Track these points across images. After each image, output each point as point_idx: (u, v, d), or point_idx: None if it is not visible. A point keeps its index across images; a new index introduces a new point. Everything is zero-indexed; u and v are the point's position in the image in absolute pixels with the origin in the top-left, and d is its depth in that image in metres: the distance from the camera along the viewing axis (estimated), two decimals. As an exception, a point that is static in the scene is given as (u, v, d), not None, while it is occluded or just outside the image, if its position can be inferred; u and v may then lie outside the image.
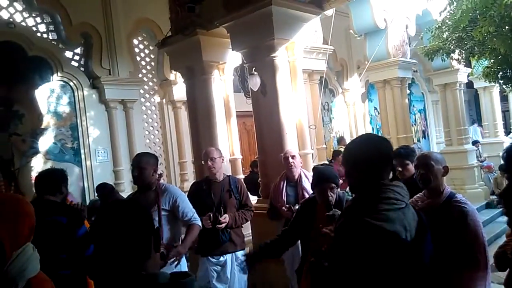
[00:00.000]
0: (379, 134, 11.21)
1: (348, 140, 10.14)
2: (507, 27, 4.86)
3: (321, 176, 2.73)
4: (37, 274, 1.50)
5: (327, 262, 1.86)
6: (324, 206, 2.60)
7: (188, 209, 3.25)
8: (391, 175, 1.77)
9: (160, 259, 2.63)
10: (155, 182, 3.22)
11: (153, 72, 8.03)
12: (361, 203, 1.61)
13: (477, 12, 4.84)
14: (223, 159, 3.95)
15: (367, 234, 1.49)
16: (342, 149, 8.68)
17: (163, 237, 3.08)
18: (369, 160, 1.62)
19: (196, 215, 3.28)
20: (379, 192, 1.57)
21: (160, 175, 3.96)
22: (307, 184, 3.91)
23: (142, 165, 3.12)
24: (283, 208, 3.83)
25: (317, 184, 2.74)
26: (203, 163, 3.89)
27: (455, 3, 4.85)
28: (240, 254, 3.79)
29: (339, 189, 2.81)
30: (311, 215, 2.74)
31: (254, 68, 4.50)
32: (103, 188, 5.07)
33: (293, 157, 3.97)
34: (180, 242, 3.21)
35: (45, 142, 6.25)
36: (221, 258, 3.70)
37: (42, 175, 3.11)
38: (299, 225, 2.86)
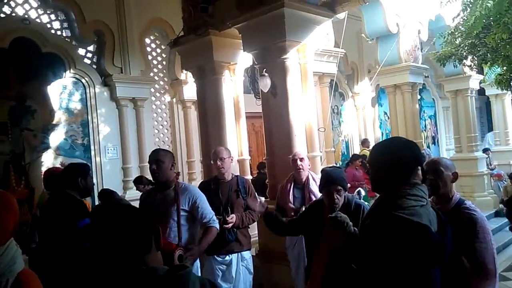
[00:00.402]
0: (374, 142, 11.18)
1: (372, 142, 10.16)
2: (521, 35, 4.82)
3: (328, 178, 2.74)
4: (24, 269, 1.52)
5: (356, 264, 1.88)
6: (329, 209, 2.60)
7: (208, 210, 3.18)
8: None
9: (178, 261, 2.57)
10: (174, 180, 3.14)
11: (164, 71, 8.08)
12: (388, 200, 1.69)
13: (491, 18, 4.80)
14: (232, 159, 3.95)
15: (398, 227, 1.57)
16: (365, 151, 8.51)
17: (182, 237, 3.01)
18: (395, 162, 1.71)
19: (215, 217, 3.22)
20: (406, 190, 1.66)
21: (178, 174, 3.93)
22: (314, 187, 3.90)
23: (160, 158, 3.04)
24: (291, 213, 3.83)
25: (324, 186, 2.75)
26: (212, 162, 3.90)
27: (468, 9, 4.81)
28: (245, 254, 3.79)
29: (347, 192, 2.81)
30: (318, 217, 2.74)
31: (265, 70, 4.51)
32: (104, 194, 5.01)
33: (301, 159, 3.97)
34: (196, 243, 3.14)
35: (56, 137, 6.32)
36: (227, 258, 3.70)
37: (64, 169, 3.17)
38: (305, 224, 2.87)
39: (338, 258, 2.19)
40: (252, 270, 3.86)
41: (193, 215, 3.13)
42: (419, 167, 1.76)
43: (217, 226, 3.22)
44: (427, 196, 1.71)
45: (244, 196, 3.79)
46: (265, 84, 4.49)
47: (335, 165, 5.75)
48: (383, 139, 11.50)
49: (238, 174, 4.50)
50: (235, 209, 3.70)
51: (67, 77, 6.51)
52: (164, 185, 3.12)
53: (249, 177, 5.76)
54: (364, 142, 9.73)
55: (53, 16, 6.67)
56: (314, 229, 2.76)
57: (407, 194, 1.65)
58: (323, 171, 2.92)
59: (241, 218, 3.68)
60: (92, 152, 6.69)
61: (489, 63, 6.20)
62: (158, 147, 7.73)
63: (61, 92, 6.44)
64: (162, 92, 8.06)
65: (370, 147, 8.66)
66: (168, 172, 3.08)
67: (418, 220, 1.58)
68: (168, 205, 3.05)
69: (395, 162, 1.71)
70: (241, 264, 3.74)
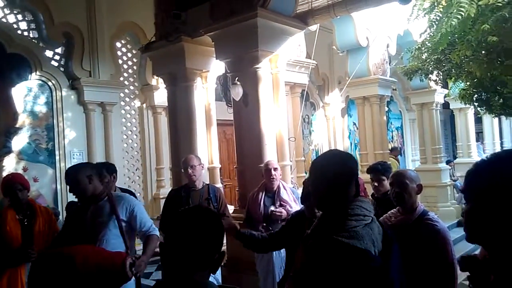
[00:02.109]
0: (355, 150, 11.38)
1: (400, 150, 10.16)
2: (483, 52, 5.02)
3: (308, 192, 2.75)
4: None
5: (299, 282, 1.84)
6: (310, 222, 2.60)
7: (146, 218, 3.02)
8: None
9: (130, 269, 2.36)
10: (104, 190, 2.94)
11: (135, 76, 7.96)
12: (329, 220, 1.60)
13: (456, 36, 4.99)
14: (202, 167, 3.93)
15: (338, 252, 1.48)
16: (392, 160, 8.13)
17: (128, 246, 2.88)
18: (337, 175, 1.61)
19: (154, 225, 3.07)
20: (347, 209, 1.57)
21: (111, 180, 3.72)
22: (285, 195, 3.92)
23: (76, 178, 2.84)
24: (260, 228, 3.80)
25: (305, 199, 2.75)
26: (182, 170, 3.86)
27: (435, 26, 4.98)
28: None
29: None
30: (299, 229, 2.73)
31: (237, 78, 4.52)
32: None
33: (275, 169, 3.98)
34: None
35: (19, 141, 6.10)
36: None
37: None
38: (287, 236, 2.85)
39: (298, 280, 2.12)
40: (220, 281, 3.82)
41: (131, 225, 2.94)
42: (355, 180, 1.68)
43: (157, 233, 3.06)
44: (371, 212, 1.61)
45: (215, 205, 3.76)
46: (237, 92, 4.50)
47: (304, 174, 5.81)
48: (351, 149, 11.75)
49: (208, 182, 4.47)
50: None
51: (33, 79, 6.32)
52: (94, 198, 2.89)
53: (219, 185, 5.72)
54: (392, 150, 8.93)
55: (20, 16, 6.47)
56: (294, 242, 2.73)
57: (348, 214, 1.56)
58: (304, 183, 2.91)
59: None
60: (57, 157, 6.49)
61: (453, 78, 6.42)
62: (130, 158, 7.63)
63: (25, 94, 6.23)
64: (132, 97, 7.93)
65: (398, 156, 8.54)
66: (87, 186, 2.84)
67: (357, 245, 1.49)
68: (105, 216, 2.83)
69: (330, 178, 1.61)
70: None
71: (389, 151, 8.57)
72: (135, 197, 3.80)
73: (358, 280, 1.46)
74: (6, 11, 6.30)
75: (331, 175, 1.62)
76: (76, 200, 3.71)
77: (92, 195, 2.86)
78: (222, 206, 3.84)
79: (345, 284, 1.47)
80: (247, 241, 2.77)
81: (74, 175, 2.85)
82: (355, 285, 1.46)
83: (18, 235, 3.23)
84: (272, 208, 3.80)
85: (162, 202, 7.24)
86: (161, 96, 7.55)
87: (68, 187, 2.97)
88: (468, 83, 6.26)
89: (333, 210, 1.61)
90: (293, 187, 4.75)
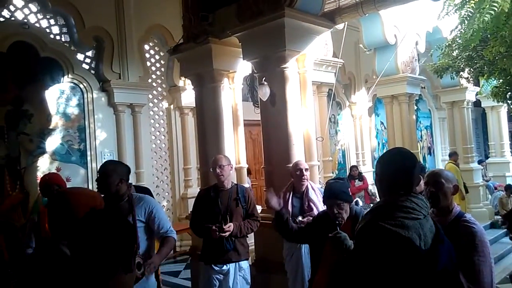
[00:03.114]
0: (383, 150, 11.20)
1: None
2: (517, 48, 4.87)
3: (329, 192, 2.76)
4: None
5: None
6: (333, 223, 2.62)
7: (165, 221, 3.07)
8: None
9: (137, 269, 2.38)
10: (126, 192, 2.99)
11: (163, 77, 8.08)
12: (380, 210, 1.74)
13: (488, 32, 4.85)
14: (231, 167, 3.93)
15: (382, 237, 1.60)
16: (451, 165, 8.02)
17: (139, 247, 2.91)
18: (390, 173, 1.79)
19: (172, 228, 3.12)
20: (397, 201, 1.69)
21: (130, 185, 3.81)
22: (313, 195, 3.90)
23: (107, 172, 2.91)
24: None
25: (325, 200, 2.78)
26: (211, 170, 3.88)
27: (466, 22, 4.85)
28: (243, 263, 3.76)
29: (358, 205, 2.84)
30: (325, 229, 2.73)
31: (264, 78, 4.52)
32: None
33: (306, 170, 3.96)
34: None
35: (52, 142, 6.29)
36: (224, 267, 3.66)
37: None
38: (312, 234, 2.86)
39: (338, 275, 2.21)
40: (249, 280, 3.82)
41: (149, 226, 3.00)
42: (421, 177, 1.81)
43: (175, 236, 3.11)
44: (423, 209, 1.71)
45: (243, 205, 3.77)
46: (264, 93, 4.50)
47: (339, 177, 5.76)
48: (379, 148, 11.58)
49: (237, 182, 4.49)
50: (234, 218, 3.67)
51: (65, 82, 6.50)
52: (116, 197, 2.93)
53: (246, 185, 5.74)
54: (451, 155, 8.74)
55: (52, 21, 6.67)
56: (319, 240, 2.75)
57: (398, 205, 1.68)
58: (326, 184, 2.93)
59: (239, 227, 3.65)
60: (88, 158, 6.66)
61: (485, 75, 6.26)
62: (158, 158, 7.75)
63: (58, 97, 6.42)
64: (160, 98, 8.06)
65: (458, 161, 8.33)
66: (114, 186, 2.90)
67: (403, 233, 1.60)
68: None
69: (388, 173, 1.79)
70: (239, 274, 3.70)
71: (448, 157, 8.28)
72: (151, 194, 3.91)
73: (399, 265, 1.56)
74: (39, 16, 6.50)
75: (385, 172, 1.81)
76: None
77: (115, 193, 2.92)
78: (251, 206, 3.84)
79: (387, 268, 1.58)
80: (280, 222, 3.01)
81: (108, 170, 2.93)
82: (396, 270, 1.56)
83: None
84: (300, 218, 3.79)
85: (190, 201, 7.40)
86: (188, 97, 7.65)
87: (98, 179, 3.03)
88: (501, 80, 6.08)
89: (385, 201, 1.76)
90: (321, 187, 4.72)
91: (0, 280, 2.88)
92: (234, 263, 3.68)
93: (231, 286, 3.65)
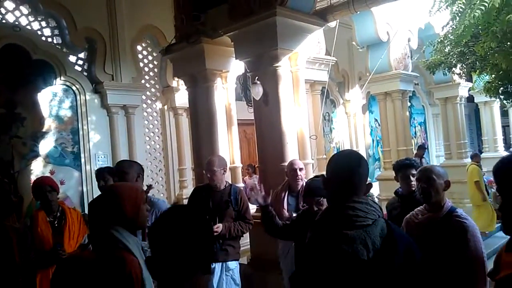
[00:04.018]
0: (377, 147, 11.24)
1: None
2: (509, 43, 4.89)
3: (305, 190, 2.85)
4: None
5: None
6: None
7: None
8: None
9: None
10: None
11: (156, 78, 8.06)
12: (325, 220, 1.63)
13: (480, 27, 4.87)
14: (225, 170, 3.89)
15: (328, 253, 1.51)
16: (474, 166, 7.86)
17: None
18: (334, 177, 1.66)
19: None
20: (341, 209, 1.56)
21: (150, 187, 3.83)
22: (309, 194, 3.91)
23: (125, 169, 2.90)
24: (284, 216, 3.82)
25: (304, 197, 2.83)
26: (204, 172, 3.89)
27: (457, 18, 4.87)
28: (231, 264, 3.74)
29: None
30: (307, 225, 2.75)
31: (257, 77, 4.52)
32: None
33: (301, 169, 3.95)
34: None
35: (46, 145, 6.25)
36: (209, 266, 3.65)
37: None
38: (296, 231, 2.88)
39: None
40: (238, 281, 3.80)
41: None
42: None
43: None
44: (369, 214, 1.54)
45: (235, 207, 3.75)
46: (257, 92, 4.50)
47: (317, 174, 5.77)
48: (373, 146, 11.62)
49: (232, 183, 4.47)
50: (224, 219, 3.66)
51: (58, 84, 6.47)
52: None
53: (240, 185, 5.74)
54: (473, 157, 8.50)
55: (44, 23, 6.64)
56: (303, 237, 2.77)
57: (342, 214, 1.55)
58: (305, 183, 2.99)
59: (228, 228, 3.63)
60: (82, 160, 6.63)
61: (478, 71, 6.29)
62: (152, 159, 7.73)
63: (51, 99, 6.39)
64: (153, 99, 8.03)
65: (480, 162, 8.23)
66: (134, 183, 2.86)
67: (346, 248, 1.48)
68: None
69: (332, 177, 1.65)
70: (226, 274, 3.68)
71: (470, 159, 8.18)
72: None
73: (345, 278, 1.47)
74: (31, 18, 6.47)
75: (329, 176, 1.67)
76: None
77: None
78: (243, 208, 3.82)
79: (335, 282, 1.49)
80: (267, 218, 3.00)
81: (127, 167, 2.93)
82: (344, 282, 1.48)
83: (49, 237, 3.32)
84: (295, 215, 3.80)
85: (185, 202, 7.38)
86: (182, 97, 7.63)
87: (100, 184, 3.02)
88: (493, 75, 6.10)
89: (331, 208, 1.65)
90: (316, 185, 4.73)
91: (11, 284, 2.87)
92: (220, 263, 3.66)
93: (215, 286, 3.63)
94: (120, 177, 2.93)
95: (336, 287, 1.49)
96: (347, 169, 1.63)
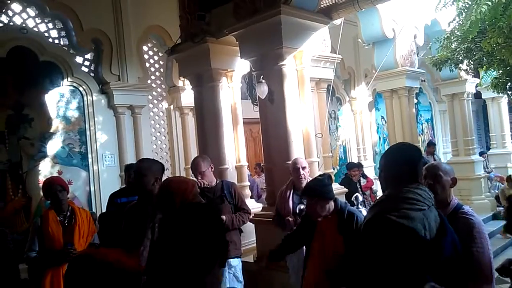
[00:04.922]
0: (384, 144, 11.19)
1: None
2: (516, 39, 4.85)
3: (306, 191, 2.91)
4: None
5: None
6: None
7: None
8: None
9: None
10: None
11: (162, 78, 8.10)
12: (385, 202, 1.78)
13: (486, 23, 4.83)
14: (212, 168, 3.91)
15: (389, 229, 1.65)
16: None
17: None
18: (396, 165, 1.84)
19: None
20: (401, 193, 1.73)
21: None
22: (314, 192, 3.91)
23: (142, 171, 2.83)
24: (288, 218, 3.83)
25: (301, 195, 2.90)
26: (192, 174, 3.93)
27: (464, 14, 4.84)
28: (233, 261, 3.76)
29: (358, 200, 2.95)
30: (312, 225, 2.77)
31: (262, 76, 4.53)
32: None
33: (303, 168, 3.96)
34: None
35: (54, 146, 6.31)
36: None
37: None
38: (303, 233, 2.90)
39: (331, 277, 2.32)
40: (241, 278, 3.81)
41: None
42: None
43: None
44: (427, 200, 1.74)
45: (230, 201, 3.78)
46: (263, 90, 4.51)
47: (331, 170, 5.76)
48: (380, 143, 11.57)
49: (227, 179, 4.49)
50: (222, 214, 3.68)
51: (65, 85, 6.51)
52: (148, 197, 2.78)
53: (246, 183, 5.76)
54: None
55: (50, 25, 6.69)
56: (308, 235, 2.80)
57: (402, 197, 1.72)
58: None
59: (232, 219, 3.68)
60: (90, 160, 6.68)
61: (485, 67, 6.23)
62: (159, 159, 7.76)
63: (58, 100, 6.44)
64: (159, 99, 8.07)
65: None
66: (149, 186, 2.80)
67: (408, 224, 1.64)
68: (145, 222, 2.70)
69: (409, 162, 1.82)
70: (228, 271, 3.70)
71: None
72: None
73: (405, 255, 1.60)
74: (38, 20, 6.52)
75: (388, 165, 1.87)
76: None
77: (149, 192, 2.80)
78: (239, 201, 3.85)
79: (394, 258, 1.62)
80: (280, 256, 3.16)
81: (143, 169, 2.86)
82: (402, 259, 1.60)
83: (59, 236, 3.36)
84: (302, 206, 3.80)
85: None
86: (188, 97, 7.65)
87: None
88: (500, 71, 6.05)
89: (389, 193, 1.81)
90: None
91: None
92: None
93: None
94: (137, 179, 2.86)
95: (392, 260, 1.63)
96: (407, 160, 1.84)
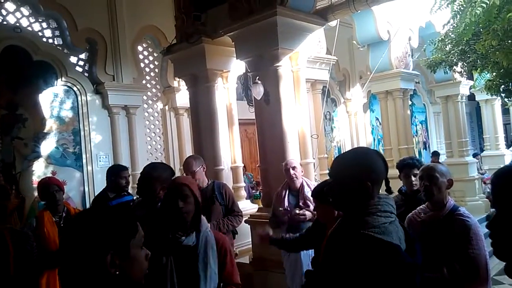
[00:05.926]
0: (378, 146, 11.23)
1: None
2: (510, 41, 4.88)
3: (315, 193, 2.84)
4: None
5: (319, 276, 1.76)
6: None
7: None
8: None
9: None
10: (158, 197, 2.88)
11: (157, 78, 8.06)
12: (356, 218, 1.50)
13: (480, 26, 4.87)
14: (204, 168, 3.88)
15: (369, 247, 1.40)
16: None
17: None
18: (359, 176, 1.50)
19: None
20: (377, 206, 1.48)
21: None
22: (309, 193, 3.90)
23: (150, 180, 2.83)
24: (280, 209, 3.82)
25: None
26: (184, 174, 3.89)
27: (458, 17, 4.86)
28: None
29: None
30: (322, 229, 2.75)
31: (257, 77, 4.52)
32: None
33: (293, 168, 3.95)
34: None
35: (47, 146, 6.26)
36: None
37: None
38: (313, 236, 2.88)
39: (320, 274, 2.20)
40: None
41: None
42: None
43: None
44: (395, 210, 1.52)
45: (221, 202, 3.75)
46: (258, 91, 4.51)
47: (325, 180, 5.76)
48: (374, 144, 11.61)
49: (216, 180, 4.46)
50: (212, 216, 3.63)
51: (59, 85, 6.47)
52: (152, 202, 2.84)
53: (242, 184, 5.75)
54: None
55: (44, 24, 6.64)
56: (318, 242, 2.78)
57: (378, 210, 1.46)
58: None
59: (218, 225, 3.59)
60: (84, 161, 6.63)
61: (479, 69, 6.27)
62: (154, 159, 7.72)
63: (52, 100, 6.39)
64: (154, 99, 8.04)
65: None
66: (154, 194, 2.83)
67: (389, 240, 1.41)
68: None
69: (365, 174, 1.49)
70: None
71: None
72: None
73: (391, 275, 1.38)
74: (31, 19, 6.47)
75: (352, 176, 1.52)
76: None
77: (153, 198, 2.83)
78: (230, 202, 3.81)
79: (376, 279, 1.38)
80: (280, 244, 3.01)
81: (152, 178, 2.85)
82: (387, 280, 1.38)
83: (55, 237, 3.32)
84: (297, 211, 3.79)
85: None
86: (183, 97, 7.63)
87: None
88: (494, 73, 6.10)
89: (359, 208, 1.50)
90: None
91: None
92: None
93: None
94: (143, 184, 2.87)
95: (375, 280, 1.40)
96: (365, 168, 1.52)
